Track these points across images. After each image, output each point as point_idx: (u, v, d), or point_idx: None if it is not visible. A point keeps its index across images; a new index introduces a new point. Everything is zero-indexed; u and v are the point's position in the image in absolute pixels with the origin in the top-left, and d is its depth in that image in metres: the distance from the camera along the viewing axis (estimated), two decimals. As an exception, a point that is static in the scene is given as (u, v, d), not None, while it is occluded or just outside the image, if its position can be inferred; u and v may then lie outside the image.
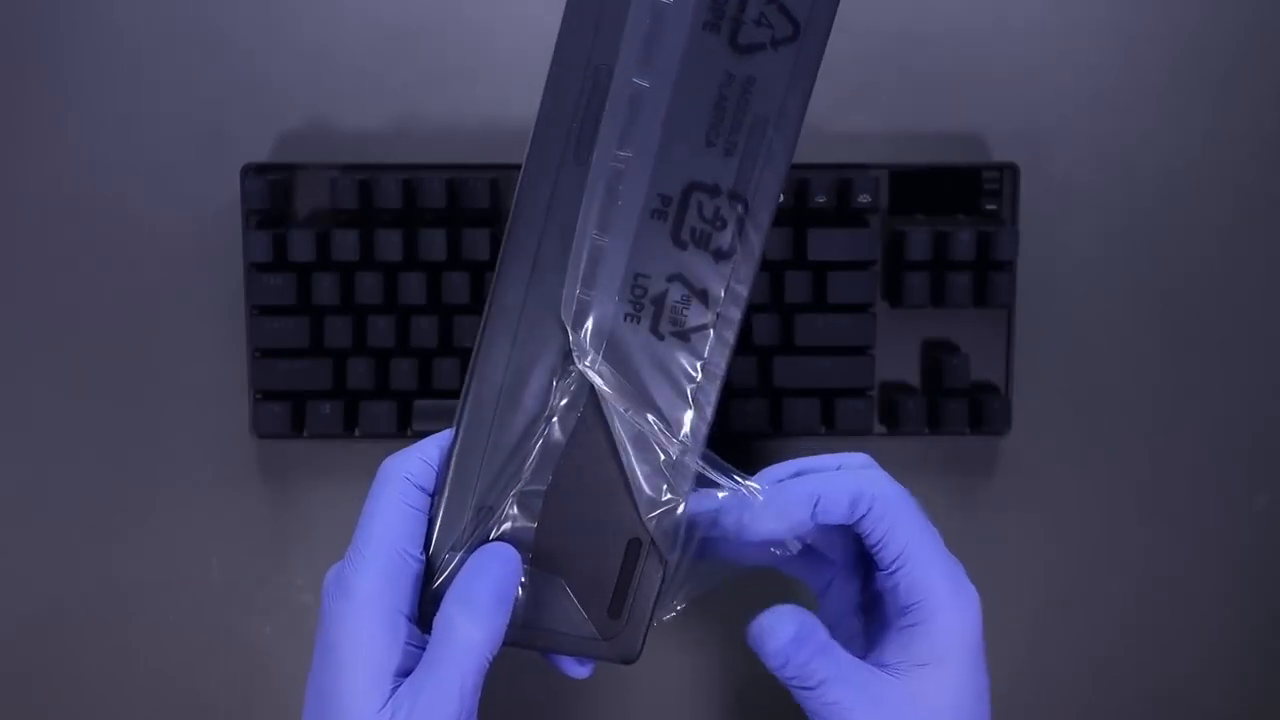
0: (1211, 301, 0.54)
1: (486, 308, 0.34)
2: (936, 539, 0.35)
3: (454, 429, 0.34)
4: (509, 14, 0.53)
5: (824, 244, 0.49)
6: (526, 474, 0.34)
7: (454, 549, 0.34)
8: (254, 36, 0.53)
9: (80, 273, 0.53)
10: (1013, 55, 0.54)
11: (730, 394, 0.49)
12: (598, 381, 0.33)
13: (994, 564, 0.54)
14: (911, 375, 0.52)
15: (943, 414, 0.50)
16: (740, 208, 0.33)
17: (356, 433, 0.50)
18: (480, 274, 0.49)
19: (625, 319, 0.33)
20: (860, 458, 0.37)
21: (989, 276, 0.50)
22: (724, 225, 0.33)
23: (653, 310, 0.33)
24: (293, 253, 0.49)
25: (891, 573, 0.35)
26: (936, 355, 0.51)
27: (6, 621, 0.54)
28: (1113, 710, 0.54)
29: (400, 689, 0.32)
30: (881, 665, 0.35)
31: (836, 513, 0.34)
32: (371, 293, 0.49)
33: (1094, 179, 0.54)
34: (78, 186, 0.53)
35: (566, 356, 0.33)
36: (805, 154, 0.51)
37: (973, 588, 0.35)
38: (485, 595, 0.32)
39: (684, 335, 0.33)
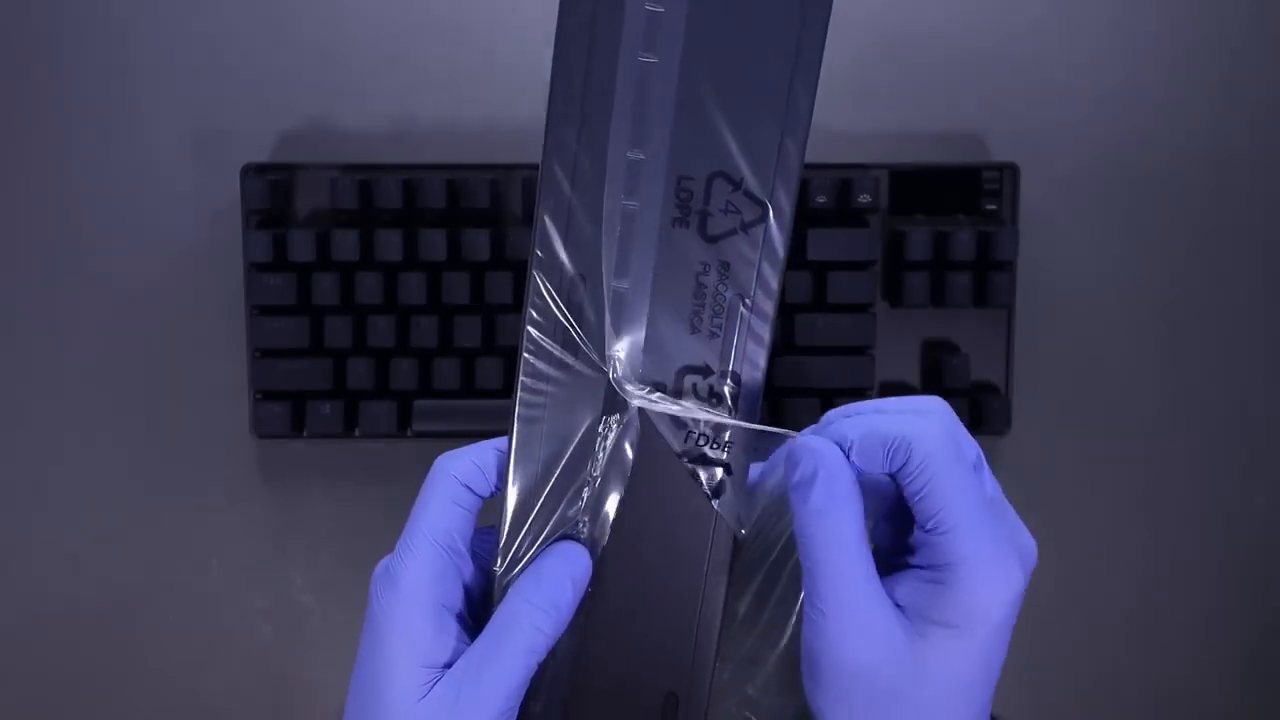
0: (1211, 302, 0.54)
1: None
2: (982, 497, 0.32)
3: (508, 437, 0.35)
4: (509, 14, 0.53)
5: (824, 244, 0.49)
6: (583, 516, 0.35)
7: (522, 547, 0.35)
8: (254, 36, 0.53)
9: (81, 273, 0.53)
10: (1013, 55, 0.54)
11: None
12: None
13: (994, 564, 0.54)
14: (911, 375, 0.52)
15: (943, 414, 0.50)
16: (732, 382, 0.35)
17: (356, 433, 0.50)
18: (480, 274, 0.49)
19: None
20: (929, 403, 0.34)
21: (989, 276, 0.50)
22: (720, 401, 0.35)
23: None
24: (293, 253, 0.49)
25: (927, 530, 0.32)
26: (936, 355, 0.51)
27: (7, 621, 0.54)
28: (1113, 710, 0.54)
29: (456, 669, 0.32)
30: (897, 604, 0.33)
31: (873, 460, 0.33)
32: (371, 293, 0.49)
33: (1094, 179, 0.54)
34: (78, 186, 0.53)
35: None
36: (805, 154, 0.52)
37: (1015, 557, 0.32)
38: (555, 588, 0.33)
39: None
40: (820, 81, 0.33)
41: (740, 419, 0.35)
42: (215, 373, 0.53)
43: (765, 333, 0.34)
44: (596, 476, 0.34)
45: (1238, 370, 0.54)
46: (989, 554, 0.32)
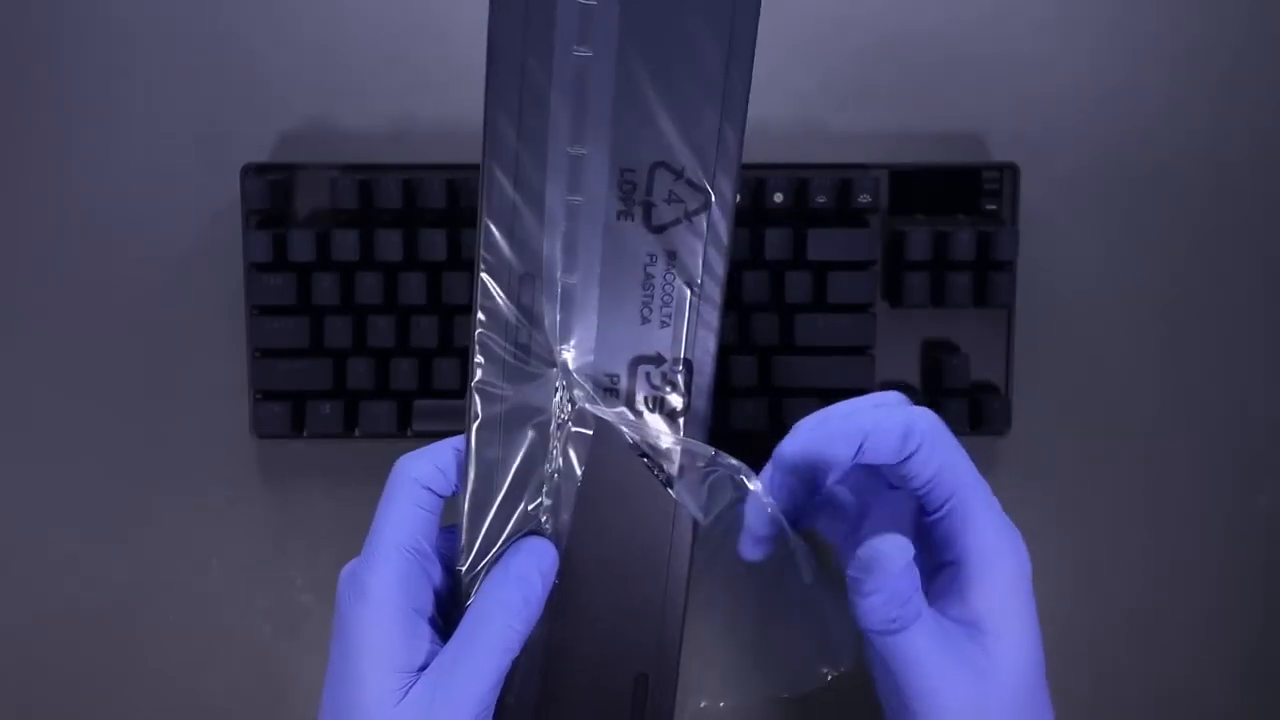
0: (1211, 302, 0.54)
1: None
2: (981, 477, 0.33)
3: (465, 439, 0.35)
4: (509, 14, 0.53)
5: (824, 244, 0.49)
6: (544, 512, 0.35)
7: (486, 544, 0.35)
8: (254, 36, 0.53)
9: (81, 273, 0.53)
10: (1013, 55, 0.54)
11: (730, 394, 0.49)
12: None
13: (994, 564, 0.54)
14: (911, 375, 0.52)
15: (943, 414, 0.49)
16: (685, 370, 0.35)
17: (356, 433, 0.50)
18: (480, 274, 0.49)
19: None
20: (894, 395, 0.35)
21: (989, 276, 0.50)
22: (674, 388, 0.35)
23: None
24: (293, 253, 0.49)
25: (942, 516, 0.33)
26: (936, 355, 0.51)
27: (7, 621, 0.54)
28: (1113, 710, 0.54)
29: (431, 672, 0.32)
30: (953, 620, 0.33)
31: (885, 450, 0.32)
32: (371, 293, 0.49)
33: (1094, 179, 0.54)
34: (78, 187, 0.53)
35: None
36: (805, 154, 0.52)
37: (1015, 527, 0.33)
38: (523, 584, 0.33)
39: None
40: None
41: (693, 407, 0.35)
42: (215, 373, 0.53)
43: (715, 319, 0.35)
44: (554, 471, 0.35)
45: (1238, 370, 0.54)
46: (1003, 524, 0.33)
